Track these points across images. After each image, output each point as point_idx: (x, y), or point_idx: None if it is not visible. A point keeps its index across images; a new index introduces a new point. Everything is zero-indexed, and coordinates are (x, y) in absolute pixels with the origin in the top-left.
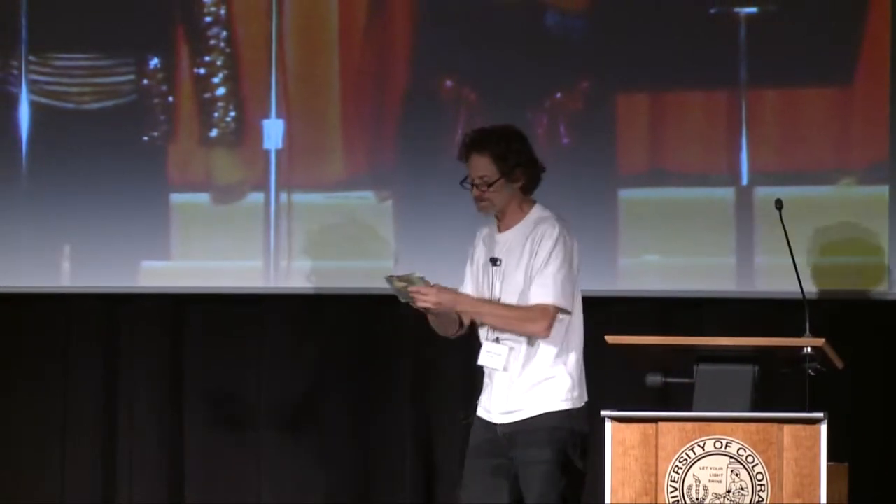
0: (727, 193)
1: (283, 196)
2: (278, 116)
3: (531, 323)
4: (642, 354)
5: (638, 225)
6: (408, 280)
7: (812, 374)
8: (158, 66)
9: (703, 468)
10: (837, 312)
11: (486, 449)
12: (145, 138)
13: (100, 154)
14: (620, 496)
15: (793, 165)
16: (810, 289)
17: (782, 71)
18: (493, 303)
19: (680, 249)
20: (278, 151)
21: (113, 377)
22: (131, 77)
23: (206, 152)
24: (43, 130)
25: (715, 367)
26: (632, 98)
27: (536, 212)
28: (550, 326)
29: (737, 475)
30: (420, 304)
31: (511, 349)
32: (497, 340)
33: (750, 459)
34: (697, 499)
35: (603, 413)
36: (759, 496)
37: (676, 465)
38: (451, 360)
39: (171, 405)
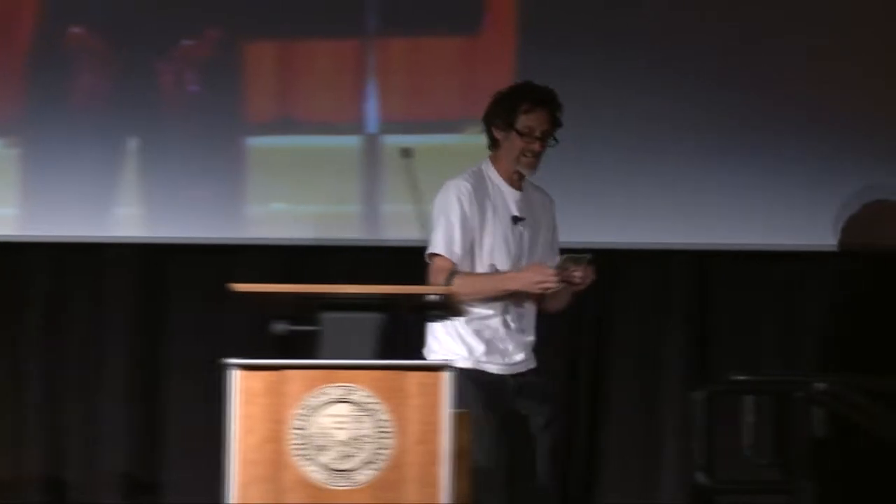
0: (355, 142)
1: None
2: None
3: None
4: (270, 303)
5: (266, 173)
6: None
7: (435, 321)
8: None
9: (328, 415)
10: None
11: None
12: None
13: None
14: (245, 444)
15: (421, 114)
16: None
17: (411, 20)
18: None
19: (308, 198)
20: None
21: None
22: None
23: None
24: None
25: (340, 315)
26: (259, 46)
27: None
28: None
29: (360, 422)
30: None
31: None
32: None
33: (375, 406)
34: (322, 446)
35: (228, 361)
36: (383, 443)
37: (300, 413)
38: None
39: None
